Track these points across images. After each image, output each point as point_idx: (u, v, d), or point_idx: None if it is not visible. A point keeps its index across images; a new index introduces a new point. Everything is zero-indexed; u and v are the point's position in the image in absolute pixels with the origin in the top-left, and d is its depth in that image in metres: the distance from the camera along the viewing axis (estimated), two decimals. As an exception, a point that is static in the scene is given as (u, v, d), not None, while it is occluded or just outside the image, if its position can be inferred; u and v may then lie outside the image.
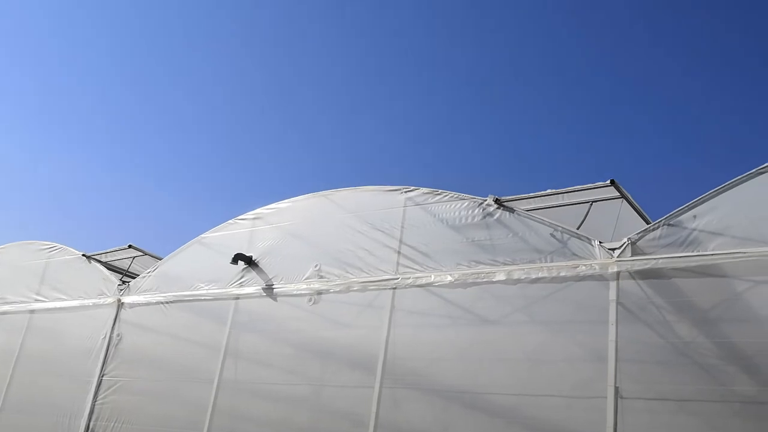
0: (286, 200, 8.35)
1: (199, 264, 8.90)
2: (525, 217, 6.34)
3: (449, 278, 6.50)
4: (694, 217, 5.54)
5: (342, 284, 7.26)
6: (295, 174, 21.22)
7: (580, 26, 18.46)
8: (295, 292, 7.67)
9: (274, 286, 7.88)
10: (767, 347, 5.09)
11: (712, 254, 5.35)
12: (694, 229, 5.51)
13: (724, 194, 5.46)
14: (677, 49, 17.86)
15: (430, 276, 6.66)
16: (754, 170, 5.36)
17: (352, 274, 7.25)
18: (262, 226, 8.42)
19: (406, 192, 7.22)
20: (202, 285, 8.60)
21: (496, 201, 6.53)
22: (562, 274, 5.95)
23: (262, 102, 22.31)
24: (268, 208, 8.50)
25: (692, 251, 5.46)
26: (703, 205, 5.52)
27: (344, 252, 7.42)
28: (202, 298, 8.52)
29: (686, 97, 18.20)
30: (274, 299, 7.86)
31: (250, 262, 8.24)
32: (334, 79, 21.49)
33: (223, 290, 8.36)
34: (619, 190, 6.42)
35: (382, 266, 7.06)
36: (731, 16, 16.78)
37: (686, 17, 17.24)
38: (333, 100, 21.81)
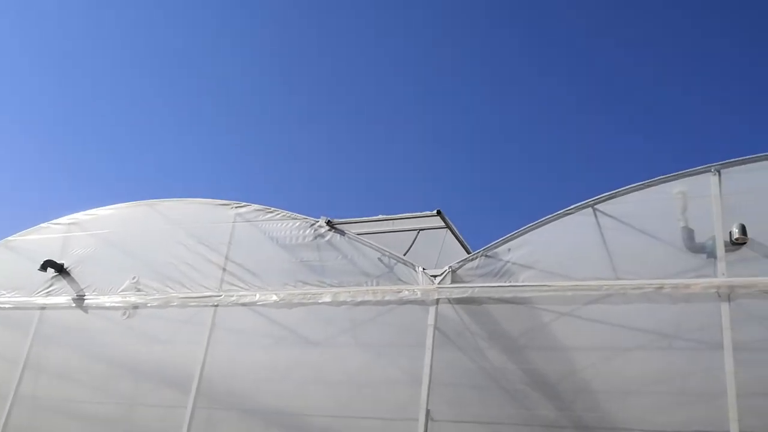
0: (106, 207, 7.58)
1: (3, 269, 7.83)
2: (355, 240, 6.11)
3: (274, 298, 6.08)
4: (509, 250, 5.58)
5: (160, 299, 6.60)
6: (117, 181, 19.26)
7: (404, 58, 18.82)
8: (108, 305, 6.88)
9: (85, 297, 7.04)
10: (567, 375, 5.20)
11: (522, 285, 5.40)
12: (508, 261, 5.54)
13: (535, 231, 5.55)
14: (502, 88, 18.78)
15: (255, 295, 6.20)
16: (561, 211, 5.50)
17: (172, 288, 6.61)
18: (78, 233, 7.55)
19: (236, 207, 6.71)
20: (4, 292, 7.57)
21: (328, 223, 6.24)
22: (387, 297, 5.77)
23: (92, 102, 20.27)
24: (86, 214, 7.69)
25: (505, 281, 5.46)
26: (518, 239, 5.58)
27: (166, 265, 6.77)
28: (1, 306, 7.40)
29: (514, 133, 19.18)
30: (85, 311, 7.04)
31: (61, 270, 7.32)
32: (173, 88, 20.15)
33: (27, 299, 7.37)
34: (444, 221, 6.40)
35: (205, 282, 6.50)
36: (558, 65, 17.97)
37: (507, 59, 18.19)
38: (168, 109, 20.33)
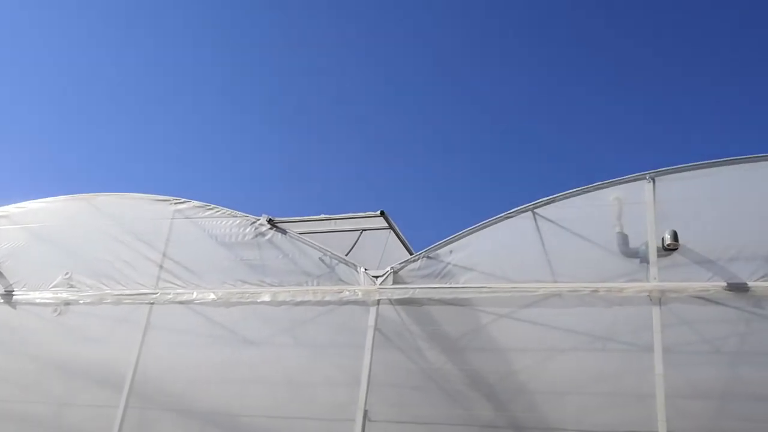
0: (39, 200, 7.17)
1: (-74, 263, 7.22)
2: (296, 239, 5.94)
3: (212, 296, 5.86)
4: (450, 252, 5.53)
5: (94, 295, 6.29)
6: (53, 173, 18.33)
7: (348, 57, 18.63)
8: (38, 301, 6.52)
9: (14, 293, 6.65)
10: (505, 375, 5.18)
11: (462, 287, 5.35)
12: (449, 263, 5.49)
13: (476, 233, 5.52)
14: (444, 88, 18.77)
15: (193, 293, 5.96)
16: (502, 214, 5.48)
17: (106, 285, 6.30)
18: (8, 226, 7.16)
19: (175, 204, 6.45)
20: (-73, 287, 7.00)
21: (270, 221, 6.05)
22: (327, 298, 5.63)
23: (28, 94, 19.26)
24: (17, 207, 7.29)
25: (446, 283, 5.40)
26: (459, 241, 5.53)
27: (100, 261, 6.45)
28: (-76, 301, 6.88)
29: (460, 136, 19.19)
30: (14, 307, 6.65)
31: (-12, 264, 6.82)
32: (119, 79, 19.38)
33: (-48, 294, 6.82)
34: (387, 222, 6.30)
35: (141, 279, 6.22)
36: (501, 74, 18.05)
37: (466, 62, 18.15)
38: (109, 103, 19.49)
